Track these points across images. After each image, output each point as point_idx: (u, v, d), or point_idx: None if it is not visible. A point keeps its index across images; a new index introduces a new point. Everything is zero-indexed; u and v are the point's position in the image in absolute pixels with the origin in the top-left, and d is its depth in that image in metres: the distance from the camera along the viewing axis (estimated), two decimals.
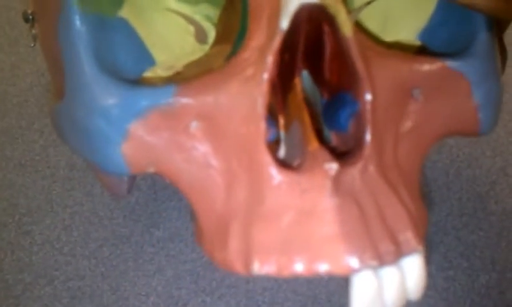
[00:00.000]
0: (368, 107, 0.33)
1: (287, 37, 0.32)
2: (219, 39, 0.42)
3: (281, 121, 0.37)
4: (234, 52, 0.37)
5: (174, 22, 0.43)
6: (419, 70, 0.36)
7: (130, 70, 0.41)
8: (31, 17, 0.46)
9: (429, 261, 0.50)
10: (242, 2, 0.38)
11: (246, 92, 0.34)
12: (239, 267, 0.33)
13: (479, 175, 0.55)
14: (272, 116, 0.36)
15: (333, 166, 0.31)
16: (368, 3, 0.43)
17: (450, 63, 0.37)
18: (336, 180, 0.32)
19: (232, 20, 0.40)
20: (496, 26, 0.40)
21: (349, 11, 0.37)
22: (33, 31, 0.48)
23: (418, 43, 0.43)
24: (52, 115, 0.42)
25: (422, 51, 0.42)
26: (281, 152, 0.36)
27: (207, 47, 0.43)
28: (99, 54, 0.38)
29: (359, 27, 0.39)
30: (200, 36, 0.44)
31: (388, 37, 0.43)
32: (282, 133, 0.37)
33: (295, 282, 0.50)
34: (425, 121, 0.37)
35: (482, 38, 0.39)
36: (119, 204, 0.56)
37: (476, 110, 0.38)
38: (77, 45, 0.37)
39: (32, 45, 0.50)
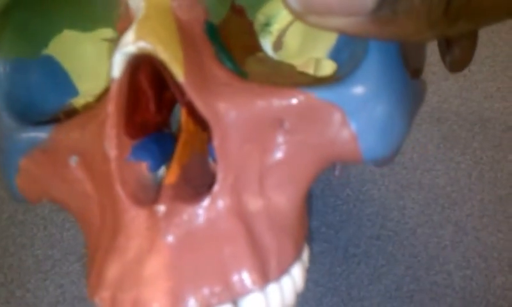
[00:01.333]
0: (216, 145, 0.33)
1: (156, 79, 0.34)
2: None
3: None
4: None
5: (108, 50, 0.43)
6: (281, 102, 0.34)
7: (51, 104, 0.42)
8: None
9: (447, 260, 0.50)
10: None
11: (101, 134, 0.34)
12: (89, 296, 0.34)
13: (500, 178, 0.55)
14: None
15: (160, 208, 0.31)
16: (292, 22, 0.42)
17: (318, 93, 0.34)
18: (168, 220, 0.32)
19: None
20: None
21: (193, 51, 0.35)
22: None
23: (328, 61, 0.41)
24: None
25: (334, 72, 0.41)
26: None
27: None
28: (13, 95, 0.39)
29: (224, 65, 0.38)
30: None
31: (305, 55, 0.41)
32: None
33: (317, 273, 0.50)
34: (297, 152, 0.35)
35: (368, 61, 0.35)
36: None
37: (355, 139, 0.35)
38: None
39: None
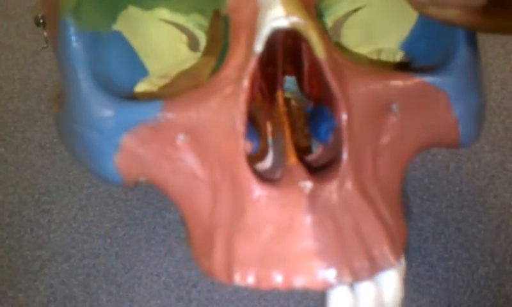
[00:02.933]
0: (344, 125, 0.33)
1: (267, 54, 0.32)
2: (207, 50, 0.42)
3: (269, 128, 0.37)
4: (218, 66, 0.37)
5: (167, 31, 0.43)
6: (396, 86, 0.36)
7: (124, 81, 0.41)
8: (41, 21, 0.47)
9: (429, 252, 0.50)
10: (225, 18, 0.38)
11: (226, 109, 0.34)
12: (222, 276, 0.33)
13: (478, 169, 0.55)
14: (257, 125, 0.37)
15: (307, 185, 0.31)
16: (355, 10, 0.43)
17: (428, 78, 0.36)
18: (312, 197, 0.31)
19: (217, 33, 0.40)
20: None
21: (324, 32, 0.36)
22: (45, 33, 0.48)
23: (400, 52, 0.42)
24: (55, 121, 0.42)
25: (404, 61, 0.42)
26: (269, 159, 0.37)
27: (199, 55, 0.43)
28: (94, 69, 0.38)
29: (337, 45, 0.39)
30: (193, 44, 0.44)
31: (372, 46, 0.42)
32: (270, 138, 0.37)
33: None
34: (404, 134, 0.36)
35: (462, 52, 0.38)
36: (133, 188, 0.56)
37: (456, 123, 0.37)
38: (73, 62, 0.37)
39: (45, 45, 0.50)
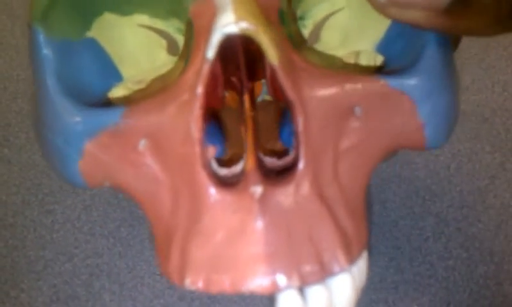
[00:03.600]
0: (300, 130, 0.32)
1: (227, 60, 0.33)
2: (181, 55, 0.42)
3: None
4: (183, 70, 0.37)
5: (145, 37, 0.42)
6: (359, 88, 0.35)
7: (97, 88, 0.41)
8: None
9: (430, 251, 0.50)
10: (190, 23, 0.38)
11: (183, 116, 0.34)
12: (175, 279, 0.33)
13: (478, 170, 0.55)
14: (227, 128, 0.37)
15: (258, 189, 0.31)
16: (334, 12, 0.43)
17: (391, 82, 0.35)
18: (263, 202, 0.32)
19: (187, 38, 0.40)
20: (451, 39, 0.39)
21: (283, 37, 0.35)
22: None
23: (375, 54, 0.42)
24: (31, 123, 0.43)
25: (381, 64, 0.42)
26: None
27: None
28: (64, 76, 0.38)
29: (310, 49, 0.38)
30: (172, 49, 0.44)
31: (349, 48, 0.41)
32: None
33: None
34: (367, 137, 0.36)
35: (429, 53, 0.36)
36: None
37: (421, 126, 0.36)
38: (42, 69, 0.38)
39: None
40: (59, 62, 0.38)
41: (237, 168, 0.36)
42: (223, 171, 0.36)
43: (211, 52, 0.32)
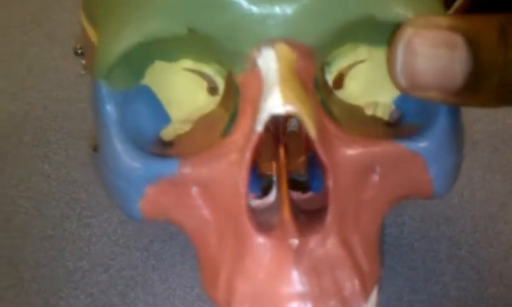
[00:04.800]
0: (330, 191, 0.36)
1: (269, 123, 0.35)
2: (222, 102, 0.44)
3: (274, 166, 0.41)
4: (228, 128, 0.40)
5: (189, 79, 0.44)
6: (380, 152, 0.39)
7: (151, 130, 0.44)
8: (80, 51, 0.49)
9: (443, 272, 0.51)
10: (235, 85, 0.39)
11: (231, 173, 0.37)
12: (223, 306, 0.38)
13: (490, 197, 0.57)
14: (261, 166, 0.41)
15: (294, 242, 0.34)
16: (358, 62, 0.44)
17: (408, 145, 0.39)
18: (298, 251, 0.35)
19: (230, 91, 0.42)
20: None
21: (315, 106, 0.37)
22: (83, 62, 0.50)
23: (392, 107, 0.44)
24: (91, 158, 0.46)
25: (396, 117, 0.44)
26: (272, 193, 0.41)
27: (218, 98, 0.45)
28: (124, 123, 0.41)
29: (330, 116, 0.40)
30: (212, 90, 0.46)
31: (369, 98, 0.43)
32: (274, 175, 0.41)
33: None
34: (384, 190, 0.40)
35: (441, 119, 0.39)
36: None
37: (430, 182, 0.40)
38: (106, 120, 0.40)
39: (83, 72, 0.52)
40: (120, 112, 0.41)
41: (270, 199, 0.40)
42: (256, 202, 0.40)
43: (260, 127, 0.35)
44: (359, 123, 0.44)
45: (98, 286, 0.52)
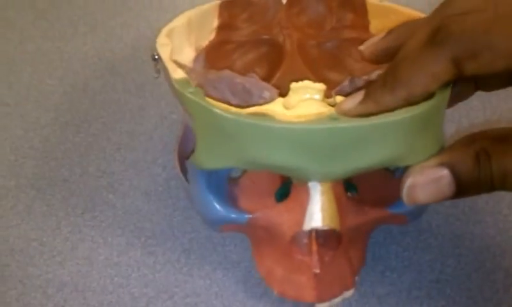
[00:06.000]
0: (343, 233, 0.49)
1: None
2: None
3: None
4: (280, 197, 0.54)
5: None
6: (376, 217, 0.52)
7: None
8: (156, 57, 0.54)
9: (499, 302, 0.52)
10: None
11: (287, 227, 0.50)
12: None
13: None
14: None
15: (317, 270, 0.47)
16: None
17: (394, 210, 0.51)
18: (319, 265, 0.48)
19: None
20: None
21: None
22: (157, 66, 0.55)
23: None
24: (184, 187, 0.59)
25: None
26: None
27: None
28: (209, 179, 0.51)
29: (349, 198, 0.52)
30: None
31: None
32: None
33: None
34: (371, 227, 0.54)
35: None
36: (231, 234, 0.58)
37: (406, 219, 0.53)
38: (199, 182, 0.51)
39: (156, 76, 0.57)
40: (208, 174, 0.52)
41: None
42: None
43: (306, 229, 0.48)
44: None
45: None
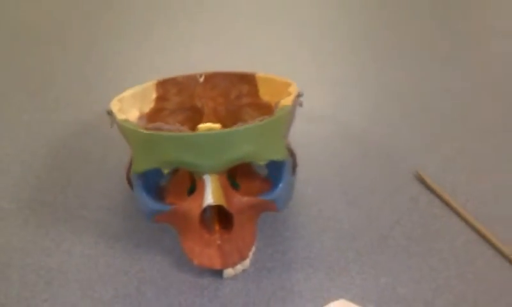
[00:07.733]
0: (235, 217, 0.62)
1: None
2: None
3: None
4: (191, 190, 0.73)
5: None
6: (253, 202, 0.66)
7: (154, 179, 0.71)
8: (109, 112, 0.72)
9: None
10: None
11: (194, 211, 0.64)
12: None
13: None
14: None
15: (218, 242, 0.61)
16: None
17: (268, 196, 0.66)
18: (220, 239, 0.62)
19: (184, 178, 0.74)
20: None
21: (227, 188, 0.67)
22: (111, 119, 0.72)
23: (264, 165, 0.71)
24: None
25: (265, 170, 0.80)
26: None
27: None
28: (145, 181, 0.68)
29: (233, 189, 0.69)
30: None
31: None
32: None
33: None
34: (255, 213, 0.67)
35: (285, 178, 0.69)
36: (167, 229, 0.75)
37: (275, 206, 0.68)
38: (138, 189, 0.67)
39: (111, 126, 0.72)
40: (142, 177, 0.69)
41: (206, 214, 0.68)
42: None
43: (204, 205, 0.63)
44: (250, 182, 0.76)
45: None
